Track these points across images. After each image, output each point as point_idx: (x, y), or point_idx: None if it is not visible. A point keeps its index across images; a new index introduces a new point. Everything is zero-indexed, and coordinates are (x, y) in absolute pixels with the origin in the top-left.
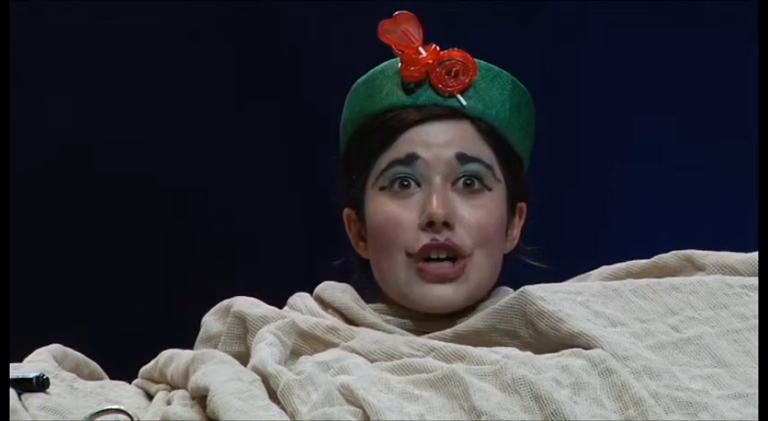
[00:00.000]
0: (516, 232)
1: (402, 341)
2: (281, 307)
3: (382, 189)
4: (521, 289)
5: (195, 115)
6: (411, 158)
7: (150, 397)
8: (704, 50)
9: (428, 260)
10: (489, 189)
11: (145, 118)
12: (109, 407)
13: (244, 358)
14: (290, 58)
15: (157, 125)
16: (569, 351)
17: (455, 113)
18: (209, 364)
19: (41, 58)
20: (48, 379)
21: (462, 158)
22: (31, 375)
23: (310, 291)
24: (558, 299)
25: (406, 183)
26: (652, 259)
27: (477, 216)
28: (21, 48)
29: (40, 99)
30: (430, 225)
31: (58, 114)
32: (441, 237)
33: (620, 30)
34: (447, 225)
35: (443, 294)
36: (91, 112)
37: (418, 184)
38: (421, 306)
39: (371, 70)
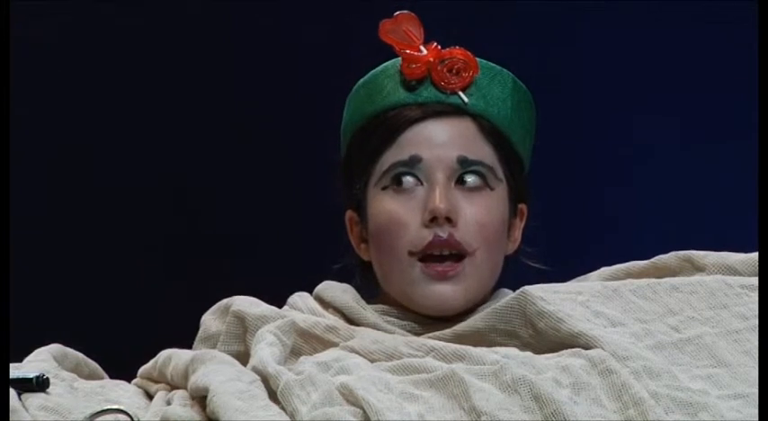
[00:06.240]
0: (518, 233)
1: (402, 341)
2: (280, 307)
3: (384, 189)
4: (521, 289)
5: (195, 115)
6: (414, 160)
7: (150, 396)
8: (705, 50)
9: (431, 258)
10: (492, 188)
11: (144, 117)
12: (109, 407)
13: (243, 357)
14: (290, 58)
15: (157, 125)
16: (569, 351)
17: (457, 111)
18: (208, 364)
19: (41, 57)
20: (48, 379)
21: (464, 162)
22: (31, 375)
23: (310, 292)
24: (558, 299)
25: (408, 180)
26: (652, 260)
27: (480, 214)
28: (20, 47)
29: (40, 98)
30: (433, 221)
31: (59, 114)
32: (444, 233)
33: (621, 30)
34: (449, 221)
35: (443, 293)
36: (91, 112)
37: (420, 183)
38: (422, 306)
39: (372, 71)
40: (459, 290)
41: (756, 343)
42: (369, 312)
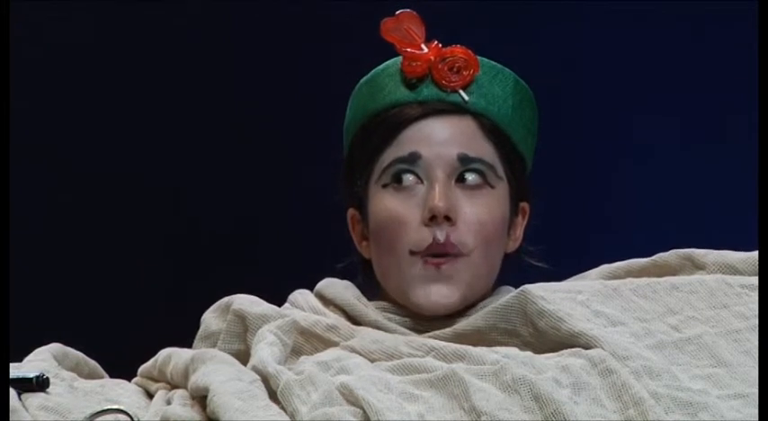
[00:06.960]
0: (519, 232)
1: (402, 341)
2: (280, 306)
3: (385, 186)
4: (521, 288)
5: (195, 115)
6: (414, 157)
7: (150, 395)
8: (705, 50)
9: (431, 256)
10: (492, 187)
11: (145, 117)
12: (109, 407)
13: (243, 356)
14: (291, 57)
15: (157, 125)
16: (569, 351)
17: (457, 109)
18: (209, 364)
19: (40, 57)
20: (48, 379)
21: (464, 160)
22: (31, 375)
23: (311, 290)
24: (559, 298)
25: (409, 178)
26: (652, 258)
27: (479, 213)
28: (20, 48)
29: (40, 99)
30: (432, 219)
31: (58, 114)
32: (441, 236)
33: (621, 30)
34: (449, 219)
35: (438, 294)
36: (91, 112)
37: (420, 181)
38: (418, 306)
39: (373, 70)
40: (454, 291)
41: (756, 342)
42: (370, 309)
